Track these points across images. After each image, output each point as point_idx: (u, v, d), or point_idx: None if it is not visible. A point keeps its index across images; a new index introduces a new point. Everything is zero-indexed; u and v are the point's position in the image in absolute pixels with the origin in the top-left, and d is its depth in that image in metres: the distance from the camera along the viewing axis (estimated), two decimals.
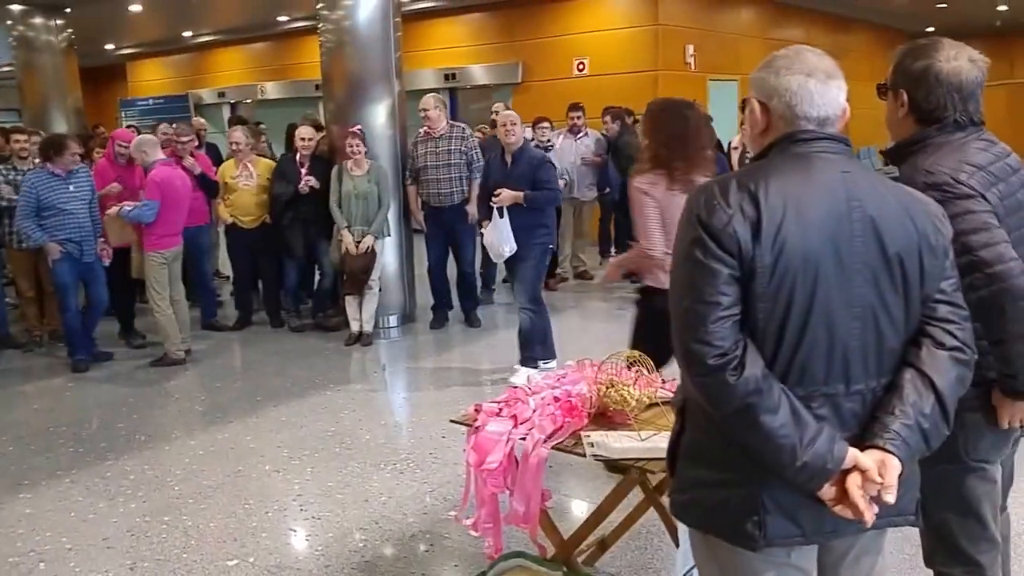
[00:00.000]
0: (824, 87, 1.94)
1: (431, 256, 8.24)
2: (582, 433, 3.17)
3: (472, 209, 7.98)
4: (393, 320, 8.25)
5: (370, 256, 7.51)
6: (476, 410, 3.35)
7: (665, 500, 3.37)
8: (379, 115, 8.01)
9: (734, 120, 13.18)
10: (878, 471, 1.82)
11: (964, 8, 15.98)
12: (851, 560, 2.07)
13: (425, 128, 7.94)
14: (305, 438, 5.54)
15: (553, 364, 6.18)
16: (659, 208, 4.10)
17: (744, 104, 2.16)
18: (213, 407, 6.25)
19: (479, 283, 8.88)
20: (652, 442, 3.07)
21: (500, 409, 3.32)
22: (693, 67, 13.53)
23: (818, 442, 1.81)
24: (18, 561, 4.08)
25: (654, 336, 3.77)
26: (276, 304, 8.51)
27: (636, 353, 3.37)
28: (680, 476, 2.07)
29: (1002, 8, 16.32)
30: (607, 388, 3.25)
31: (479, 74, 14.75)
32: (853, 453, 1.84)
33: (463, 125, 8.29)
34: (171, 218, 7.05)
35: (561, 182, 9.20)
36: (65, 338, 7.35)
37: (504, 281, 10.04)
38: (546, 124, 9.61)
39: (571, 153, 9.62)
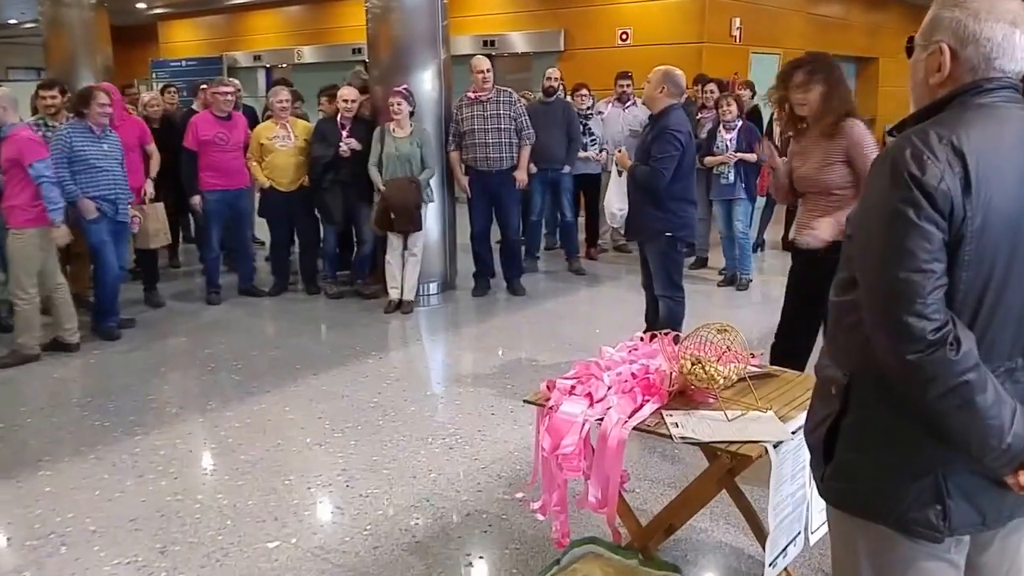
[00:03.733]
0: None
1: (475, 222, 7.97)
2: (664, 412, 2.90)
3: (521, 175, 7.77)
4: (433, 287, 8.02)
5: (415, 190, 7.24)
6: (548, 387, 3.09)
7: (739, 482, 3.15)
8: (424, 81, 7.75)
9: None
10: None
11: None
12: (999, 540, 1.89)
13: (471, 91, 7.67)
14: (347, 409, 5.30)
15: None
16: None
17: (909, 47, 1.85)
18: (249, 376, 6.00)
19: (523, 250, 8.64)
20: (741, 423, 2.81)
21: (573, 387, 3.06)
22: (738, 40, 13.23)
23: (1017, 422, 1.67)
24: (37, 544, 3.77)
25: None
26: (313, 270, 8.30)
27: (726, 324, 3.09)
28: (841, 461, 1.87)
29: None
30: (691, 365, 2.98)
31: (519, 41, 14.40)
32: None
33: (510, 90, 7.96)
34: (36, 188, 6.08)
35: (604, 153, 8.93)
36: (97, 301, 6.98)
37: (547, 248, 9.81)
38: (584, 91, 9.35)
39: (618, 122, 9.31)
